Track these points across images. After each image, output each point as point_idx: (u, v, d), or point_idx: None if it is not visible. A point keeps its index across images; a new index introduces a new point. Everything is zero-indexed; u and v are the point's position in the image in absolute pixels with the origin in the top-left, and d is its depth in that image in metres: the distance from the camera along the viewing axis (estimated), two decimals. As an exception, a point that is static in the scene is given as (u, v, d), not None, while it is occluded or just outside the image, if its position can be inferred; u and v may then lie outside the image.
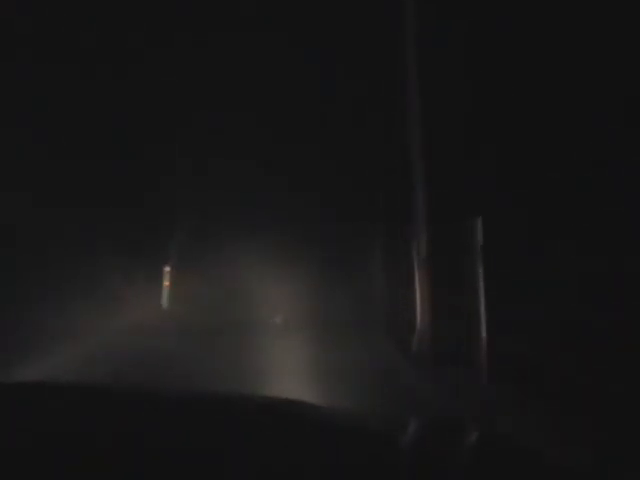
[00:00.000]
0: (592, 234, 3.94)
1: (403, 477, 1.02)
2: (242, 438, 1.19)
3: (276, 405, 1.50)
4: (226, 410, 1.43)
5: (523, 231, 4.80)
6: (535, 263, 4.46)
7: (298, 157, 13.19)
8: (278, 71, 12.07)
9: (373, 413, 1.91)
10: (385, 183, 9.69)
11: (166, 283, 13.69)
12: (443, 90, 6.38)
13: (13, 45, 8.32)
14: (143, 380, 4.66)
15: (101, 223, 10.63)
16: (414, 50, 6.71)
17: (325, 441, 1.20)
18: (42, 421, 1.27)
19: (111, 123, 10.74)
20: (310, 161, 13.06)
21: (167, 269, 13.77)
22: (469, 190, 5.72)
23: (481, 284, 5.01)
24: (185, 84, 12.11)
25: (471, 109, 5.89)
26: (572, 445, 3.01)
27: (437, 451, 1.17)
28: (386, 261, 10.20)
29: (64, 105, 9.41)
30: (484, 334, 4.92)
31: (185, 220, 14.91)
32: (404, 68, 6.82)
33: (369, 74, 9.38)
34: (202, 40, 11.77)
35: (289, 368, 5.88)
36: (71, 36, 9.43)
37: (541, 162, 4.66)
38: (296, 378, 5.34)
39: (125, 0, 10.64)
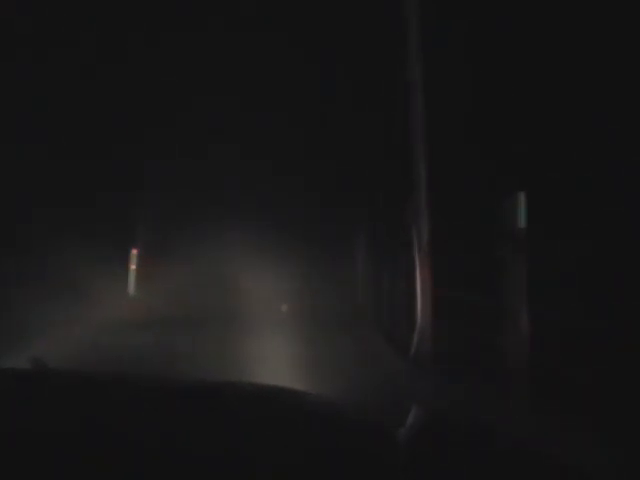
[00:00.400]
0: (592, 234, 3.94)
1: (399, 470, 1.01)
2: (236, 426, 1.18)
3: (269, 392, 1.49)
4: (221, 398, 1.42)
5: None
6: (534, 263, 4.45)
7: (296, 154, 13.19)
8: (277, 71, 12.07)
9: (368, 405, 1.91)
10: (385, 181, 9.65)
11: (133, 267, 12.13)
12: (444, 89, 6.37)
13: None
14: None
15: (71, 210, 10.10)
16: (416, 50, 6.71)
17: (318, 429, 1.20)
18: (31, 406, 1.27)
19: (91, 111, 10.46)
20: (307, 158, 13.04)
21: (134, 252, 12.17)
22: (469, 190, 5.71)
23: (523, 277, 4.21)
24: (182, 82, 12.10)
25: (472, 108, 5.87)
26: (572, 445, 3.00)
27: (434, 446, 1.16)
28: (383, 258, 10.07)
29: (32, 97, 9.21)
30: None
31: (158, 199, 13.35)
32: (405, 67, 6.83)
33: (369, 74, 9.36)
34: (198, 39, 11.76)
35: (276, 363, 5.81)
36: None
37: (541, 161, 4.65)
38: (283, 374, 5.28)
39: None
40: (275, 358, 6.13)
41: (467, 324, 5.29)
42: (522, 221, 4.16)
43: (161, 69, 11.69)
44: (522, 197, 4.16)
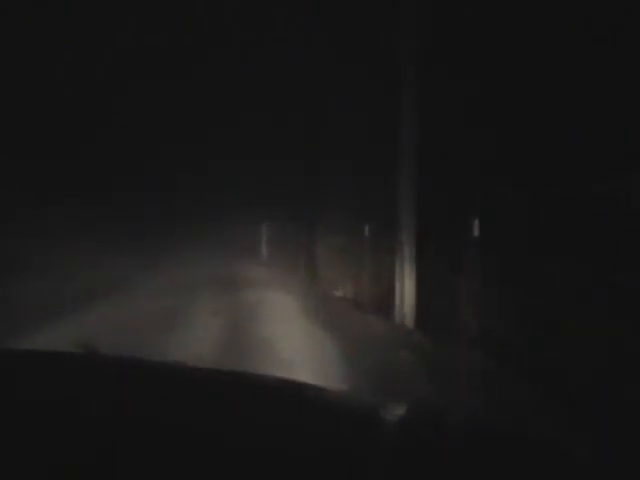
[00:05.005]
0: (589, 233, 3.97)
1: (385, 461, 1.01)
2: (242, 418, 1.18)
3: (274, 385, 1.49)
4: (236, 388, 1.42)
5: (521, 228, 4.82)
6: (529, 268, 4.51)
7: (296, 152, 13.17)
8: (277, 70, 12.08)
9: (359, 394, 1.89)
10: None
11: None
12: (441, 87, 6.34)
13: None
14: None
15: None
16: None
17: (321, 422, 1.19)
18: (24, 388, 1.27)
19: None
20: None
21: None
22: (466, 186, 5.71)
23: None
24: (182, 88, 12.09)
25: (470, 108, 5.85)
26: (566, 435, 3.01)
27: (421, 436, 1.16)
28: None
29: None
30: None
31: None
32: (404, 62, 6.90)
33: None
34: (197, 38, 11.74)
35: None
36: None
37: (540, 162, 4.66)
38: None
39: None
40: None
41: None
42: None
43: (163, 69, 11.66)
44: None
